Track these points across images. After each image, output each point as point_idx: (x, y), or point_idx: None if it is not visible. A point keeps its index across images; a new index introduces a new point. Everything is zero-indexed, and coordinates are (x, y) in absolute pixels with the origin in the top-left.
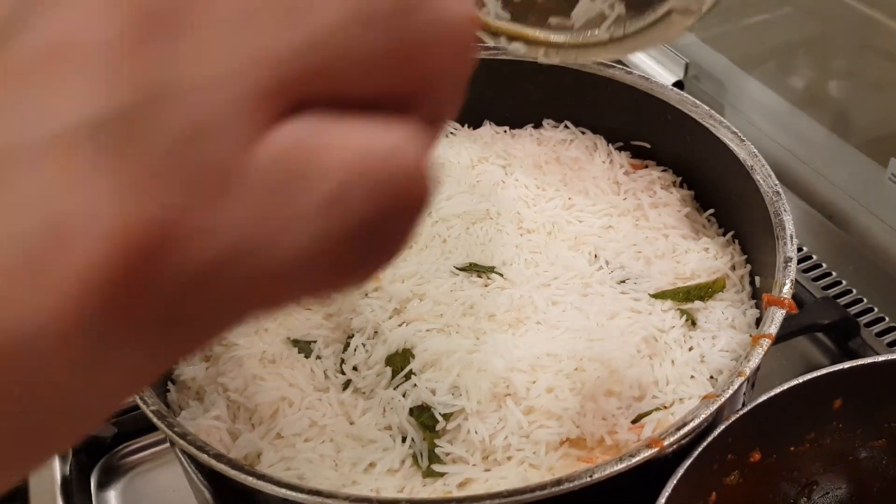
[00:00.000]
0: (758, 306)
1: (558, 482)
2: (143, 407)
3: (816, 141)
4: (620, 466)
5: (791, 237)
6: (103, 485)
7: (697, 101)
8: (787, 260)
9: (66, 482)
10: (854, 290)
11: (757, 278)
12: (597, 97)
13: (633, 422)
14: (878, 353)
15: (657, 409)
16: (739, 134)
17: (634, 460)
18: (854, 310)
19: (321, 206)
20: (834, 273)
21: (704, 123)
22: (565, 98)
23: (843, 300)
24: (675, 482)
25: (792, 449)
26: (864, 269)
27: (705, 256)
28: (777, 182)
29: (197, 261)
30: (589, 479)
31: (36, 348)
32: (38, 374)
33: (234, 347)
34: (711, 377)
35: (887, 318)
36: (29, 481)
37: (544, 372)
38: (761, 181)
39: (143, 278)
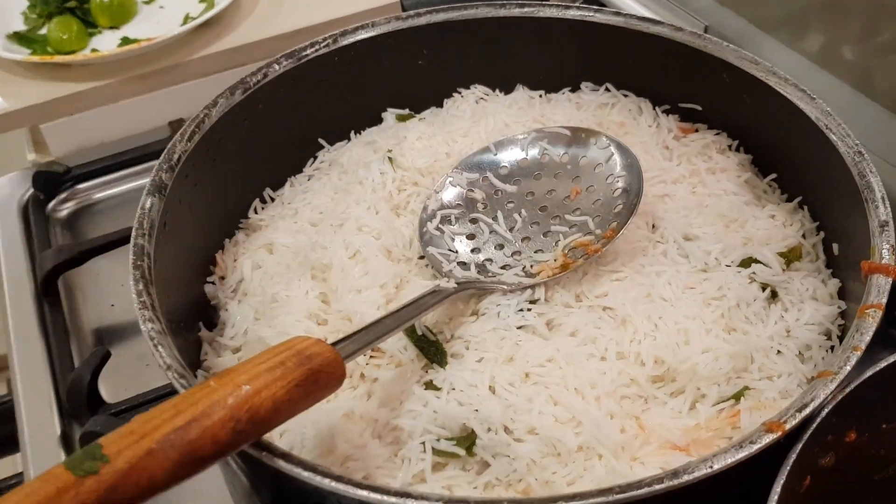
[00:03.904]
0: (835, 275)
1: (675, 474)
2: None
3: (840, 100)
4: (741, 455)
5: (883, 199)
6: None
7: (758, 58)
8: (884, 224)
9: None
10: None
11: (835, 246)
12: (641, 57)
13: (717, 403)
14: None
15: (746, 388)
16: (808, 91)
17: (756, 447)
18: None
19: None
20: None
21: (767, 81)
22: (605, 59)
23: None
24: (788, 468)
25: (884, 426)
26: None
27: (773, 224)
28: (858, 141)
29: None
30: (709, 469)
31: None
32: None
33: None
34: (799, 353)
35: None
36: None
37: (608, 361)
38: (838, 141)
39: None
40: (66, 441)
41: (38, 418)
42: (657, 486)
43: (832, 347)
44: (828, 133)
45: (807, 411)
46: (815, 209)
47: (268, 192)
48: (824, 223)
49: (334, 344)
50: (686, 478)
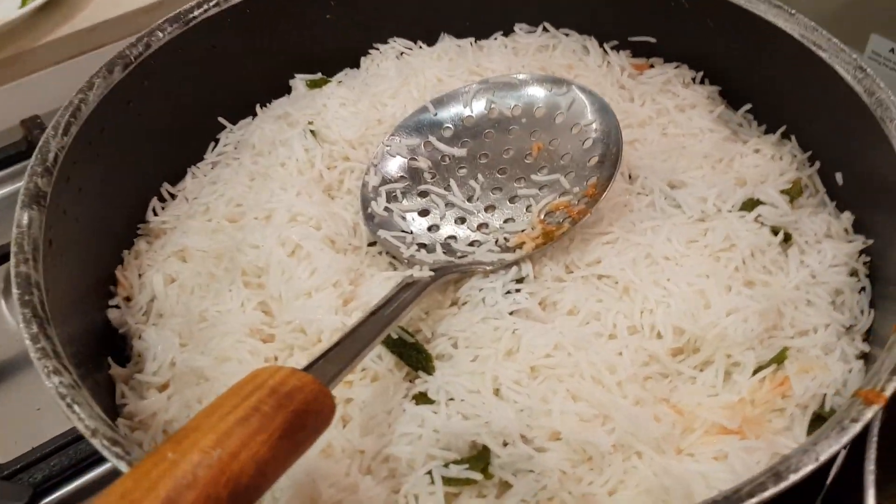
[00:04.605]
0: (842, 207)
1: (778, 475)
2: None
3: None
4: (846, 438)
5: None
6: None
7: None
8: None
9: None
10: None
11: (838, 175)
12: None
13: (756, 371)
14: None
15: (785, 349)
16: (785, 7)
17: (859, 425)
18: None
19: None
20: None
21: (735, 1)
22: None
23: None
24: (876, 439)
25: None
26: None
27: (763, 159)
28: (856, 55)
29: None
30: (816, 462)
31: None
32: None
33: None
34: (832, 301)
35: None
36: None
37: (620, 338)
38: (832, 58)
39: None
40: None
41: None
42: (763, 494)
43: (863, 289)
44: (817, 51)
45: None
46: (803, 138)
47: (166, 187)
48: (818, 152)
49: (308, 368)
50: (793, 478)
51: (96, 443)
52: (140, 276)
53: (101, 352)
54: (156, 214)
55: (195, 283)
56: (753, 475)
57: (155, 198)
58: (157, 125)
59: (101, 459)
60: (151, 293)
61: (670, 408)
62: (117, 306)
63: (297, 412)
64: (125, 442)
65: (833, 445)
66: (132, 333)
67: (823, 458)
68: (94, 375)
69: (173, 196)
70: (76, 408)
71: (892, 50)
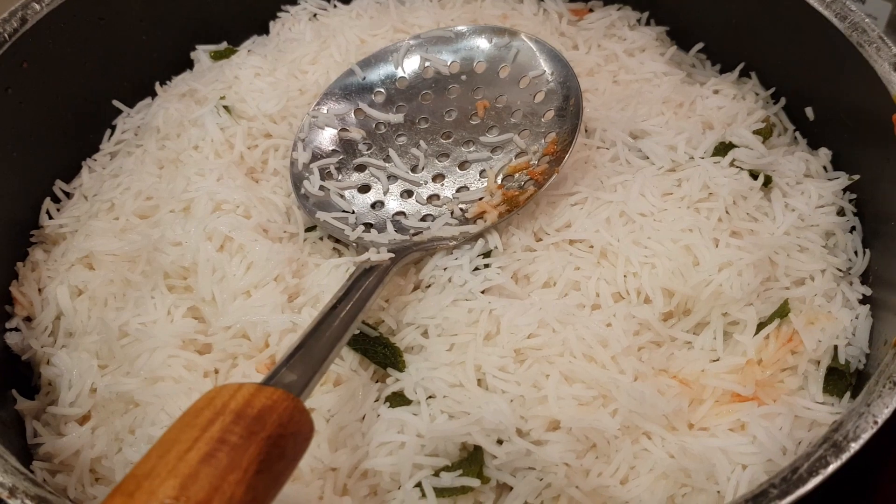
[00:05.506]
0: (814, 144)
1: (837, 446)
2: None
3: None
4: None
5: (881, 37)
6: None
7: None
8: None
9: None
10: None
11: (808, 109)
12: None
13: (760, 327)
14: None
15: (786, 301)
16: None
17: None
18: None
19: None
20: None
21: None
22: None
23: None
24: None
25: None
26: None
27: (724, 100)
28: None
29: None
30: (874, 426)
31: None
32: None
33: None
34: (825, 245)
35: None
36: None
37: (606, 308)
38: None
39: None
40: None
41: None
42: (826, 470)
43: (853, 228)
44: None
45: None
46: (765, 74)
47: (59, 185)
48: (783, 87)
49: (270, 381)
50: (853, 447)
51: None
52: (40, 290)
53: (2, 385)
54: (51, 217)
55: (108, 292)
56: (808, 449)
57: (48, 199)
58: (41, 114)
59: None
60: (56, 310)
61: (673, 379)
62: (16, 329)
63: (272, 438)
64: (55, 498)
65: (890, 404)
66: (38, 359)
67: (882, 419)
68: None
69: (69, 195)
70: None
71: None
